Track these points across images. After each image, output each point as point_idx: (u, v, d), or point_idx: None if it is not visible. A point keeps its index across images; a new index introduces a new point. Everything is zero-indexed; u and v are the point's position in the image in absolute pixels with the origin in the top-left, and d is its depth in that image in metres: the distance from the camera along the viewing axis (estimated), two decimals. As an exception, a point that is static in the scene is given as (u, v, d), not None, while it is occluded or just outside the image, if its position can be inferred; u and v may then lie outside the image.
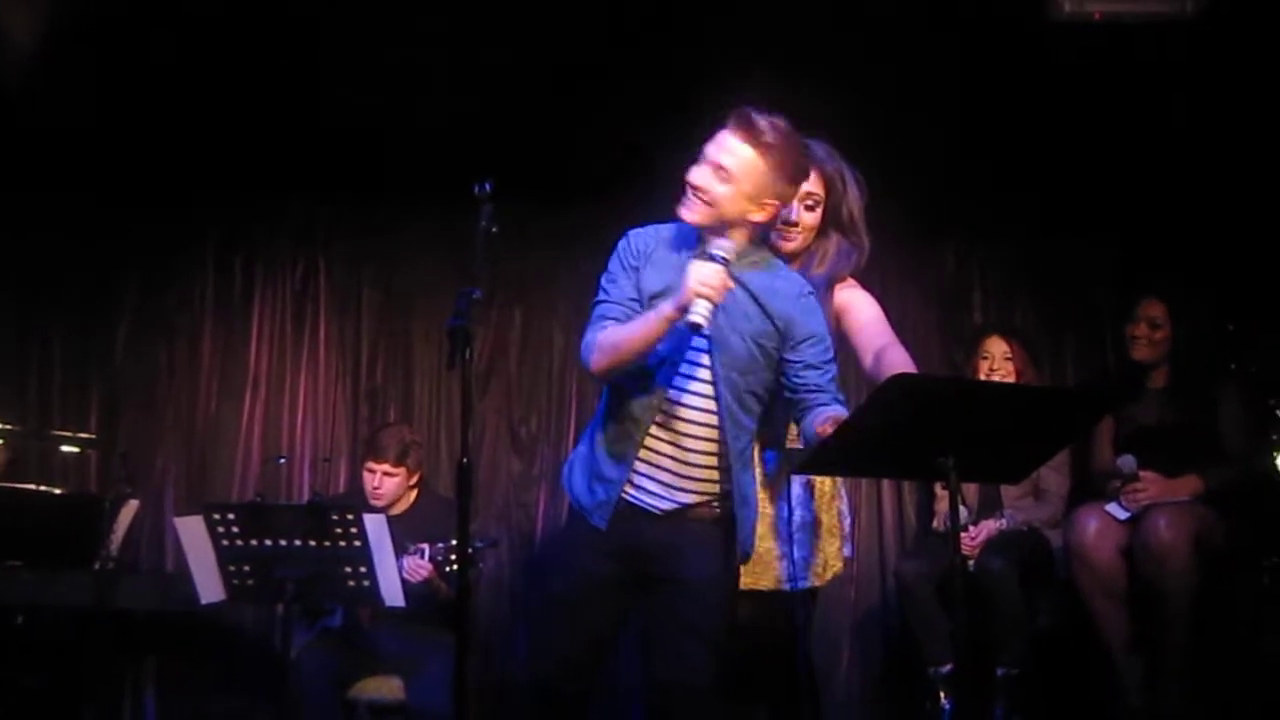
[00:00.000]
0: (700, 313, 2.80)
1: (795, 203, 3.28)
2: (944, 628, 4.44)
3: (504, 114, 4.78)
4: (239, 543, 4.01)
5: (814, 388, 3.02)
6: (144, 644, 4.82)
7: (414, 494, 4.90)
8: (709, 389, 3.00)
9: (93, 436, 5.29)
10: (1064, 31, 4.07)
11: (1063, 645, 4.53)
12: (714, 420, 3.00)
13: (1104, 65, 4.42)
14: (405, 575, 4.32)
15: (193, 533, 4.11)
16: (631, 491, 3.07)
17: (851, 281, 3.45)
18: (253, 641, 5.21)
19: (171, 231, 5.67)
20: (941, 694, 4.39)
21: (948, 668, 4.41)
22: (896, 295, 5.43)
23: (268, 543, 3.96)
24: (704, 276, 2.81)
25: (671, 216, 3.09)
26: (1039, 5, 4.04)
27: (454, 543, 4.34)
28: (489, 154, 3.61)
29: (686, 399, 3.01)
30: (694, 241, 3.03)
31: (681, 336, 2.93)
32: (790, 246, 3.34)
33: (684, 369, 3.00)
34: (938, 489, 5.00)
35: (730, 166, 2.99)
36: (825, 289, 3.35)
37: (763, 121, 2.99)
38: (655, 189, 5.30)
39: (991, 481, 4.55)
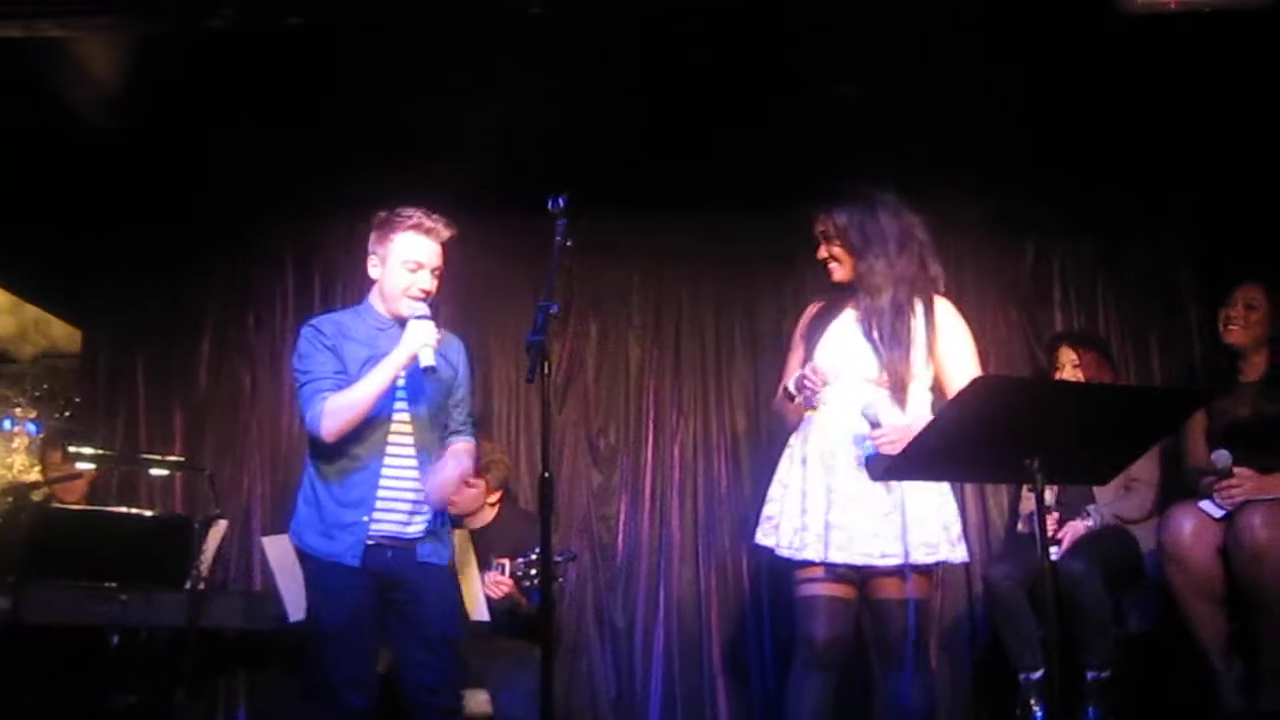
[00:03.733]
0: (430, 358, 3.54)
1: (820, 241, 3.84)
2: (1034, 633, 4.38)
3: (577, 125, 4.81)
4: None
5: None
6: (235, 661, 4.87)
7: (496, 509, 4.94)
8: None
9: (180, 459, 5.39)
10: (1139, 23, 4.02)
11: (1154, 647, 4.45)
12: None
13: (1180, 55, 4.37)
14: (486, 591, 4.36)
15: (280, 551, 4.17)
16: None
17: (947, 303, 3.76)
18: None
19: (250, 250, 5.79)
20: (1032, 701, 4.34)
21: (1038, 674, 4.36)
22: (975, 293, 5.41)
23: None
24: (426, 330, 3.57)
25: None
26: (1113, -1, 4.01)
27: (534, 556, 4.37)
28: (563, 167, 3.64)
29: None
30: (369, 318, 3.70)
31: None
32: (835, 278, 3.83)
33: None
34: (1023, 490, 4.95)
35: None
36: (906, 304, 3.69)
37: None
38: (731, 196, 5.34)
39: (1079, 483, 4.50)
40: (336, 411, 3.54)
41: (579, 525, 5.52)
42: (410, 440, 3.68)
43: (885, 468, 3.35)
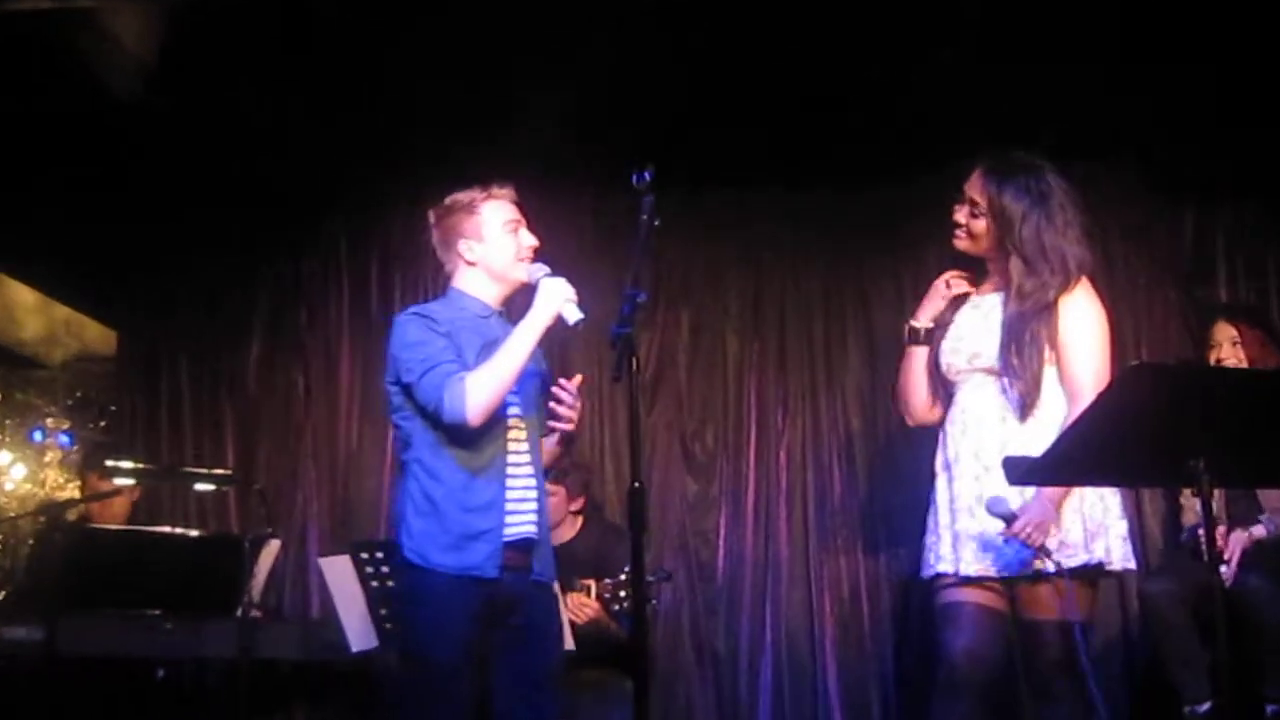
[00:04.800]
0: (576, 312, 3.64)
1: (960, 205, 3.85)
2: (1200, 658, 4.32)
3: (660, 93, 4.83)
4: (391, 584, 4.09)
5: None
6: (292, 696, 4.94)
7: (579, 521, 4.95)
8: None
9: (229, 472, 5.47)
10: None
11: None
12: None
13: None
14: (569, 615, 4.36)
15: (340, 574, 4.22)
16: None
17: (1081, 293, 3.74)
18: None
19: (299, 240, 5.89)
20: (1200, 736, 4.29)
21: (1206, 706, 4.30)
22: (1124, 271, 5.33)
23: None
24: (562, 285, 3.68)
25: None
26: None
27: (624, 577, 4.37)
28: (645, 142, 3.66)
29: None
30: (469, 307, 3.81)
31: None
32: (958, 244, 3.90)
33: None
34: (1184, 496, 4.87)
35: None
36: (1034, 316, 3.70)
37: None
38: (838, 170, 5.35)
39: (1251, 486, 4.43)
40: (482, 387, 3.58)
41: (674, 541, 5.54)
42: (524, 438, 3.76)
43: (1025, 470, 3.33)
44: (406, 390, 3.67)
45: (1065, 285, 3.72)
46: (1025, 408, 3.69)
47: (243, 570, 4.43)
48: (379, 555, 4.12)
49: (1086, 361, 3.70)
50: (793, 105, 4.95)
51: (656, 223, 3.33)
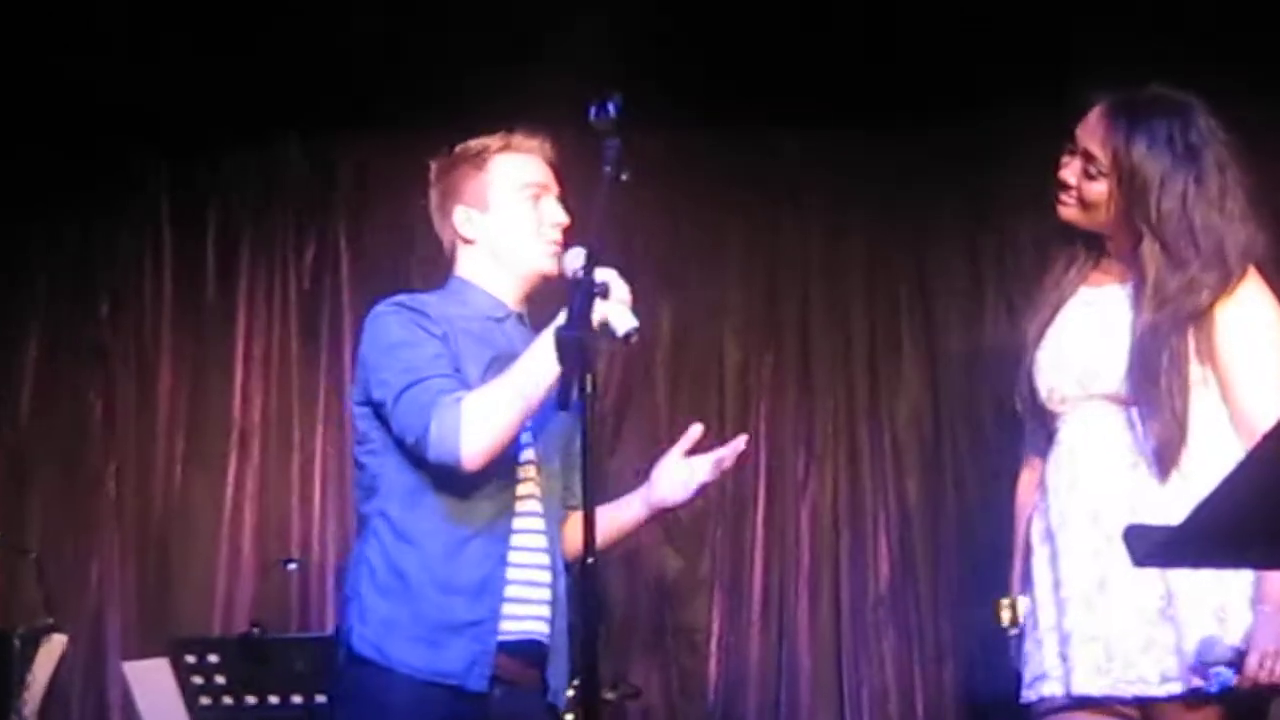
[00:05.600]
0: (629, 319, 3.57)
1: (1069, 157, 3.78)
2: None
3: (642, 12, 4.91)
4: (226, 699, 4.09)
5: None
6: None
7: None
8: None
9: (-10, 534, 5.46)
10: None
11: None
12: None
13: None
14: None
15: (153, 684, 4.18)
16: None
17: (1248, 293, 3.69)
18: None
19: (98, 192, 5.86)
20: None
21: None
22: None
23: (273, 700, 4.01)
24: (614, 281, 3.57)
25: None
26: None
27: (571, 691, 4.35)
28: (614, 66, 3.68)
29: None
30: (474, 303, 3.83)
31: None
32: (1063, 213, 3.85)
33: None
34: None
35: None
36: (1179, 326, 3.65)
37: None
38: (882, 106, 5.38)
39: None
40: (486, 416, 3.55)
41: (645, 642, 5.56)
42: (537, 497, 3.76)
43: (1158, 545, 3.33)
44: (378, 412, 3.65)
45: (1224, 283, 3.67)
46: (1167, 455, 3.65)
47: (11, 677, 4.40)
48: (211, 659, 4.08)
49: (1261, 388, 3.68)
50: (821, 10, 5.01)
51: (624, 175, 3.30)
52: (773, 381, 5.69)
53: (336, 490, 5.72)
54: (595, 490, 3.25)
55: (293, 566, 5.50)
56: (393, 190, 5.75)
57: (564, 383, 3.24)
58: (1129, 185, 3.72)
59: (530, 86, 4.72)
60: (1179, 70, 3.86)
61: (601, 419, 5.26)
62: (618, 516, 3.89)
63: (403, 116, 5.49)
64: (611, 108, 3.29)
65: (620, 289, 3.59)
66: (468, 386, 3.59)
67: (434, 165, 3.89)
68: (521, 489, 3.68)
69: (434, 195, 3.88)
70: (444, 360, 3.62)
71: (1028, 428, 3.96)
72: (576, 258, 3.57)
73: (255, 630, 4.80)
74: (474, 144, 3.84)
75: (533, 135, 3.84)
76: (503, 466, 3.61)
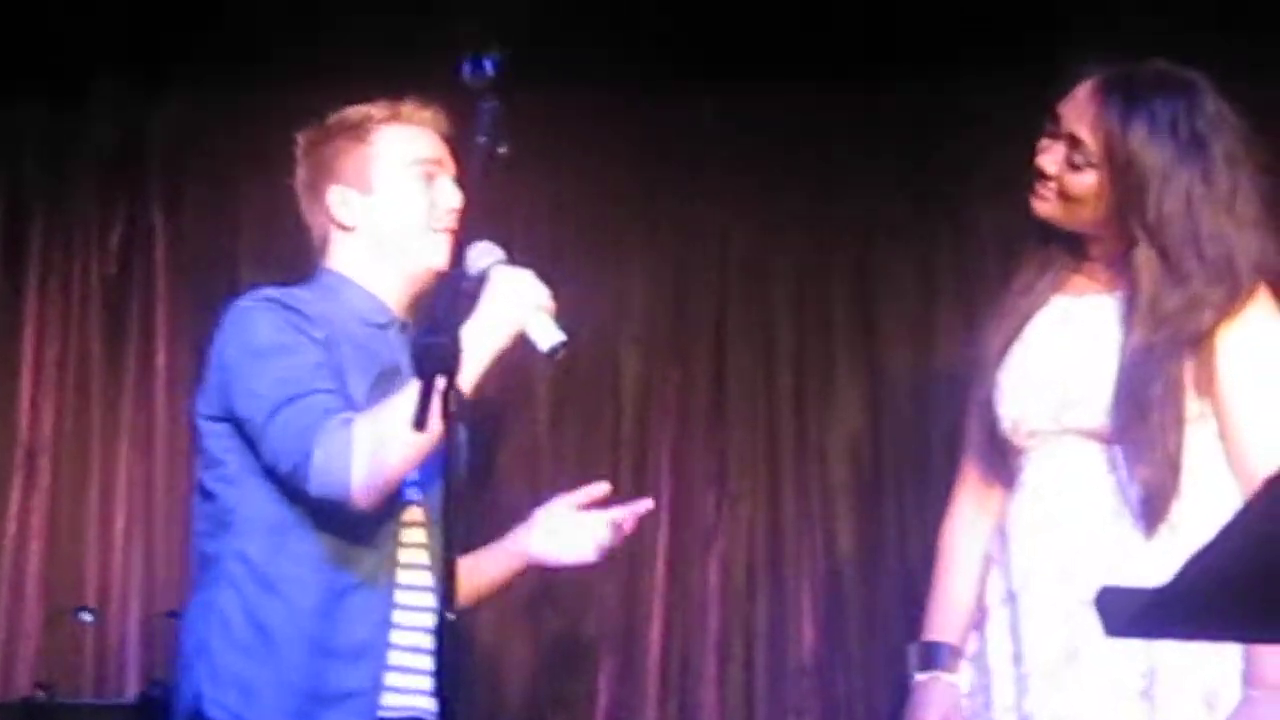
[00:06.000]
0: (553, 332, 3.67)
1: (1050, 141, 3.77)
2: None
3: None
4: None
5: None
6: None
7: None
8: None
9: None
10: None
11: None
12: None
13: None
14: None
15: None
16: None
17: (1258, 314, 3.69)
18: None
19: None
20: None
21: None
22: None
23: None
24: (530, 283, 3.68)
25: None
26: None
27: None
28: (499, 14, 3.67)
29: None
30: (353, 303, 3.85)
31: None
32: (1040, 208, 3.83)
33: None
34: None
35: None
36: (1175, 350, 3.65)
37: None
38: (829, 57, 5.42)
39: None
40: (383, 445, 3.54)
41: (517, 716, 5.57)
42: (425, 546, 3.77)
43: (1132, 611, 3.35)
44: (241, 430, 3.63)
45: (1231, 300, 3.69)
46: (1155, 504, 3.66)
47: None
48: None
49: (1267, 426, 3.71)
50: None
51: (502, 149, 3.28)
52: (679, 403, 5.73)
53: (143, 525, 5.70)
54: (462, 532, 3.24)
55: (87, 617, 5.45)
56: (221, 160, 5.75)
57: (422, 399, 3.23)
58: (1123, 179, 3.70)
59: (400, 37, 4.72)
60: (1184, 39, 3.89)
61: (477, 445, 5.25)
62: (481, 568, 3.94)
63: (240, 71, 5.50)
64: (489, 64, 3.26)
65: (538, 292, 3.65)
66: (354, 406, 3.60)
67: (303, 138, 3.89)
68: (407, 535, 3.71)
69: (302, 172, 3.89)
70: (326, 372, 3.63)
71: (983, 458, 3.95)
72: (484, 254, 3.64)
73: (40, 694, 4.76)
74: (353, 113, 3.85)
75: (425, 105, 3.86)
76: (388, 508, 3.63)
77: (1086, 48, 3.85)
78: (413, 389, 3.31)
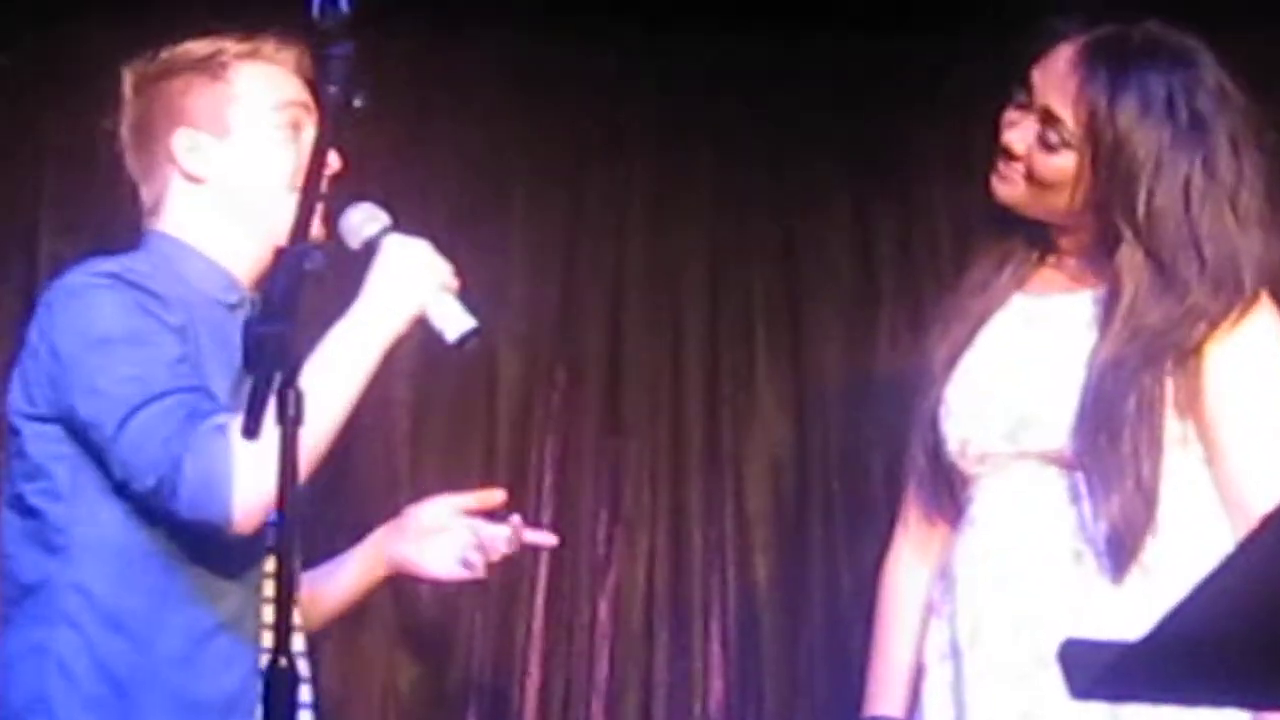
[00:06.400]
0: (463, 319, 3.82)
1: (1019, 114, 3.83)
2: None
3: None
4: None
5: None
6: None
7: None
8: None
9: None
10: None
11: None
12: None
13: None
14: None
15: None
16: None
17: (1260, 325, 3.76)
18: None
19: None
20: None
21: None
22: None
23: None
24: (430, 258, 3.84)
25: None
26: None
27: None
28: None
29: None
30: (197, 281, 3.84)
31: None
32: (1002, 191, 3.90)
33: None
34: None
35: None
36: (1153, 362, 3.70)
37: None
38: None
39: None
40: (265, 458, 3.36)
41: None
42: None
43: (1100, 669, 3.40)
44: (80, 436, 3.59)
45: (1229, 308, 3.74)
46: (1125, 542, 3.71)
47: None
48: None
49: (1264, 454, 3.76)
50: None
51: (358, 102, 3.29)
52: (566, 410, 5.73)
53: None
54: (292, 569, 3.26)
55: None
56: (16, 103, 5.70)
57: (253, 401, 3.19)
58: (1108, 165, 3.74)
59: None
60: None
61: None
62: (335, 578, 4.02)
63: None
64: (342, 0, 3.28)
65: (439, 267, 3.78)
66: (217, 405, 3.60)
67: (132, 73, 3.86)
68: (269, 564, 3.71)
69: (133, 112, 3.87)
70: (187, 367, 3.61)
71: (925, 488, 4.01)
72: (368, 219, 3.79)
73: None
74: (202, 45, 3.85)
75: (286, 43, 3.86)
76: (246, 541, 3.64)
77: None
78: (327, 385, 3.53)
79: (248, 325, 3.17)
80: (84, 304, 3.63)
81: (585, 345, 5.74)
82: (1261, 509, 3.44)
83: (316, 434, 3.47)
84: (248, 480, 3.45)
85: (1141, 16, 3.82)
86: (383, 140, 5.32)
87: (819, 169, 5.72)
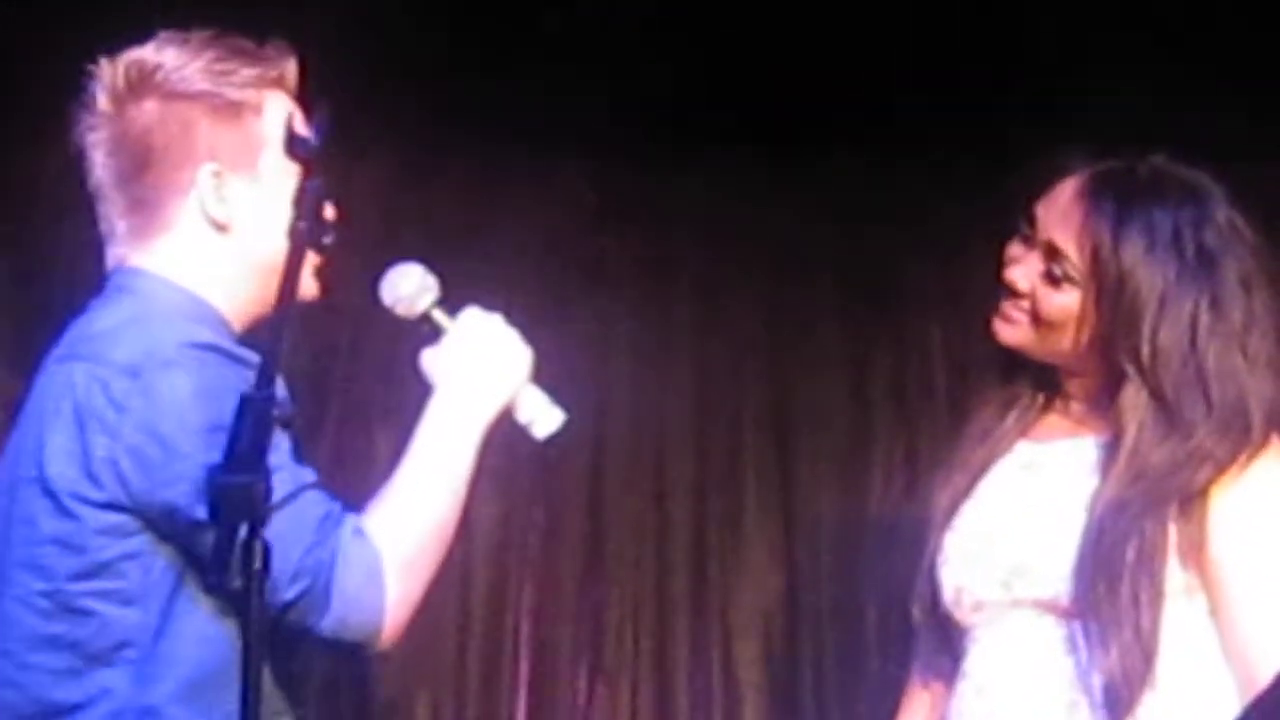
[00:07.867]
0: (553, 417, 3.73)
1: (1022, 249, 3.83)
2: None
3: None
4: None
5: None
6: None
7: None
8: None
9: None
10: None
11: None
12: None
13: None
14: None
15: None
16: None
17: (1268, 471, 3.72)
18: None
19: None
20: None
21: None
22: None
23: None
24: (515, 344, 3.69)
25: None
26: None
27: None
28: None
29: None
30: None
31: None
32: (1005, 333, 3.90)
33: None
34: None
35: None
36: (1156, 508, 3.67)
37: None
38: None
39: None
40: (412, 563, 3.49)
41: None
42: None
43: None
44: (184, 538, 3.37)
45: (1236, 452, 3.73)
46: (1123, 694, 3.70)
47: None
48: None
49: (1274, 609, 3.73)
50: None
51: (326, 240, 3.29)
52: (545, 553, 5.72)
53: None
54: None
55: None
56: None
57: (218, 553, 3.03)
58: (1113, 301, 3.73)
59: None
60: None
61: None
62: None
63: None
64: (315, 132, 3.21)
65: (522, 350, 3.67)
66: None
67: (118, 80, 3.58)
68: None
69: (121, 128, 3.59)
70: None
71: (923, 642, 4.02)
72: (421, 291, 3.68)
73: None
74: (212, 60, 3.59)
75: (291, 57, 3.65)
76: None
77: (1070, 127, 3.86)
78: (416, 466, 3.58)
79: (212, 475, 3.06)
80: (185, 379, 3.40)
81: (563, 484, 5.75)
82: (1268, 667, 3.62)
83: (435, 513, 3.57)
84: (397, 591, 3.41)
85: (1149, 151, 3.83)
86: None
87: (809, 299, 5.78)
